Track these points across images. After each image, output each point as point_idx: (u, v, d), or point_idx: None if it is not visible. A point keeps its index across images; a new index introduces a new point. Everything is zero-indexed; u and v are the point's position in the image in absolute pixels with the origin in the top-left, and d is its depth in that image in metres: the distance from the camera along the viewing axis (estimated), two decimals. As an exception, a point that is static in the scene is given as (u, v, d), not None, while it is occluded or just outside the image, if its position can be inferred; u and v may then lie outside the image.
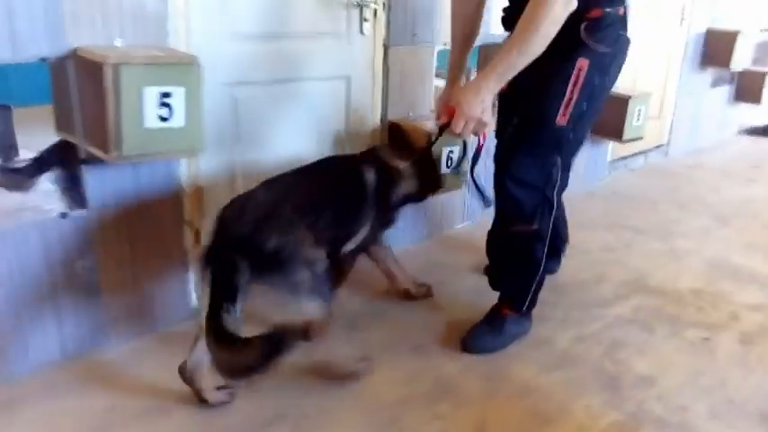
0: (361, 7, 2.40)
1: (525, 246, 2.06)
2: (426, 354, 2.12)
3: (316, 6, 2.30)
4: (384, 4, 2.47)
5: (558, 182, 2.00)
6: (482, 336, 2.14)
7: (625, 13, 1.93)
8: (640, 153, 4.43)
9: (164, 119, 1.69)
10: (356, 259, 2.18)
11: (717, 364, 2.13)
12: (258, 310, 1.59)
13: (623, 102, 3.61)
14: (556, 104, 1.87)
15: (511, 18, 1.90)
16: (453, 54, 2.11)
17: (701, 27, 4.50)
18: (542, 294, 2.21)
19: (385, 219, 2.12)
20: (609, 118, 3.69)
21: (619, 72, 2.00)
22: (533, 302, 2.18)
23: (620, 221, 3.36)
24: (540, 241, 2.05)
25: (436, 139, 2.07)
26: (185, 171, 2.10)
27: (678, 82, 4.46)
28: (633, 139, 3.77)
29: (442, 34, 2.73)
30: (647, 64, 4.09)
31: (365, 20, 2.43)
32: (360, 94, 2.53)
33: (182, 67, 1.72)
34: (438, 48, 2.74)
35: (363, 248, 2.13)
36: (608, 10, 1.85)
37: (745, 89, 5.13)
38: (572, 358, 2.13)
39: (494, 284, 2.27)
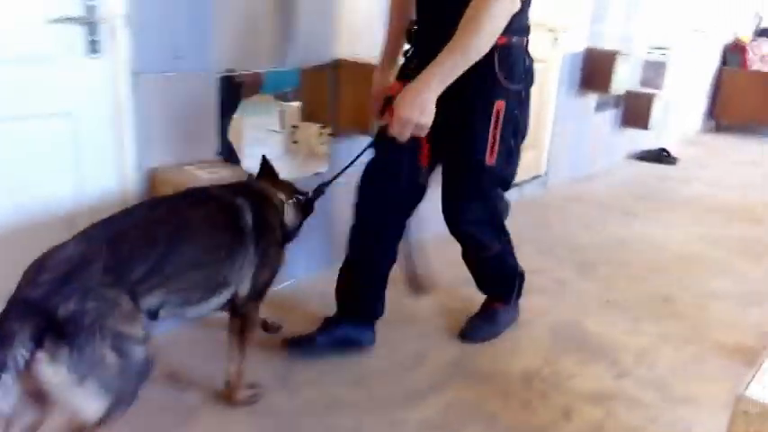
0: (89, 24, 1.83)
1: (498, 263, 2.28)
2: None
3: (13, 22, 1.72)
4: (124, 18, 1.90)
5: (505, 207, 2.20)
6: (479, 327, 2.36)
7: (527, 42, 1.94)
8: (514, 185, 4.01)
9: None
10: (257, 313, 1.89)
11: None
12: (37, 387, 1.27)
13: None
14: (482, 148, 1.91)
15: (420, 35, 1.93)
16: (389, 40, 2.09)
17: (579, 46, 4.13)
18: (340, 390, 1.98)
19: (272, 260, 1.83)
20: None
21: (529, 98, 2.00)
22: (519, 293, 2.42)
23: (467, 274, 2.88)
24: (507, 254, 2.28)
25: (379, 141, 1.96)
26: None
27: (554, 107, 4.07)
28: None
29: (225, 57, 2.19)
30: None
31: (94, 41, 1.85)
32: (96, 137, 1.95)
33: None
34: (218, 75, 2.20)
35: (260, 296, 1.84)
36: (514, 39, 1.85)
37: (632, 113, 4.83)
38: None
39: (480, 288, 2.40)
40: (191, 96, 2.14)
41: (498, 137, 1.91)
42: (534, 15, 1.93)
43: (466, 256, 2.29)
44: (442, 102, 1.70)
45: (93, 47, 1.86)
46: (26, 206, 1.85)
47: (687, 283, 2.93)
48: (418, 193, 2.07)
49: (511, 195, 3.95)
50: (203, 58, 2.13)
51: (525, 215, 3.72)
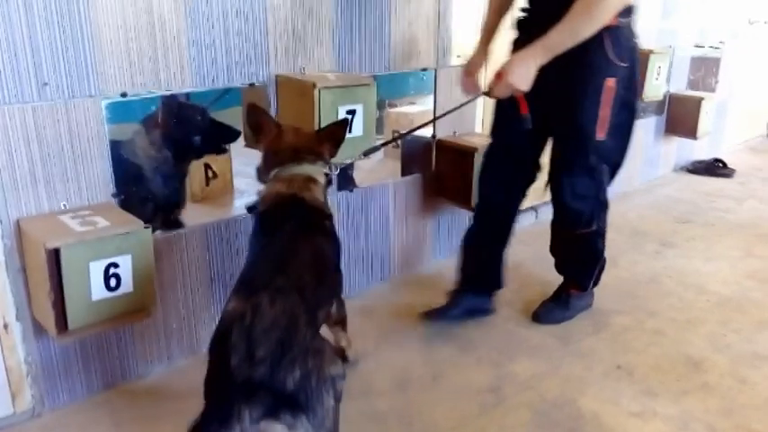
0: None
1: (588, 243, 2.34)
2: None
3: None
4: (-41, 40, 1.53)
5: (609, 185, 2.25)
6: (551, 310, 2.45)
7: (634, 22, 2.05)
8: (529, 209, 3.47)
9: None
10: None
11: None
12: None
13: (468, 155, 2.67)
14: (592, 122, 2.04)
15: (531, 22, 2.05)
16: (489, 18, 2.22)
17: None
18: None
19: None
20: (453, 178, 2.77)
21: (636, 78, 2.14)
22: (596, 282, 2.48)
23: (450, 327, 2.38)
24: (600, 237, 2.36)
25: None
26: None
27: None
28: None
29: (122, 78, 1.80)
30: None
31: None
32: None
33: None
34: (106, 100, 1.81)
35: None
36: (622, 20, 1.96)
37: (677, 119, 4.17)
38: None
39: (559, 270, 2.49)
40: (69, 129, 1.75)
41: (609, 113, 2.04)
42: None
43: (559, 233, 2.40)
44: (555, 78, 1.92)
45: None
46: None
47: (726, 340, 2.32)
48: (530, 173, 2.30)
49: (526, 220, 3.48)
50: (82, 82, 1.74)
51: (538, 243, 3.17)
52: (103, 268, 1.67)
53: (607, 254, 2.45)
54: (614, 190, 3.85)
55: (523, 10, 2.12)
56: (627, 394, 2.01)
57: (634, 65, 2.08)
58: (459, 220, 3.01)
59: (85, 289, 1.65)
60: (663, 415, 1.92)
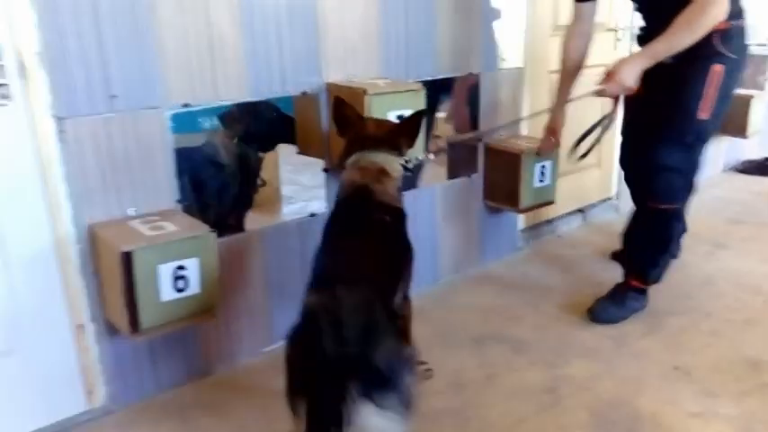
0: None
1: (665, 222, 2.41)
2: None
3: None
4: (37, 56, 1.63)
5: (700, 168, 2.41)
6: (606, 308, 2.47)
7: (745, 23, 2.22)
8: (577, 212, 3.46)
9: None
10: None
11: None
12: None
13: (515, 158, 2.68)
14: (696, 102, 2.17)
15: (647, 37, 2.20)
16: (563, 85, 2.48)
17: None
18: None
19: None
20: (499, 181, 2.79)
21: (741, 77, 2.32)
22: (658, 278, 2.50)
23: (502, 328, 2.40)
24: (678, 219, 2.53)
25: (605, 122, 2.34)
26: None
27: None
28: (536, 206, 2.83)
29: (178, 90, 1.88)
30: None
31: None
32: (18, 196, 1.69)
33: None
34: (170, 111, 1.89)
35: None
36: (733, 23, 2.13)
37: (726, 119, 4.08)
38: None
39: (625, 258, 2.58)
40: (136, 139, 1.84)
41: (713, 96, 2.17)
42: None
43: (639, 209, 2.45)
44: (658, 74, 2.12)
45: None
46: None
47: (786, 341, 2.28)
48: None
49: (573, 222, 3.47)
50: (148, 94, 1.83)
51: (587, 246, 3.16)
52: (172, 271, 1.74)
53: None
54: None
55: (641, 29, 2.36)
56: (685, 395, 2.00)
57: (741, 60, 2.22)
58: (507, 221, 3.03)
59: (155, 290, 1.72)
60: (724, 416, 1.89)
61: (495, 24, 2.71)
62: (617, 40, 3.33)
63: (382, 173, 1.76)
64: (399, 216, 1.77)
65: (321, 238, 1.69)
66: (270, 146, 2.22)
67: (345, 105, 1.87)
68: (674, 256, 2.77)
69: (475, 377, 2.11)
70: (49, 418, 1.88)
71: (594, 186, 3.54)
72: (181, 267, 1.76)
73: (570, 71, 2.44)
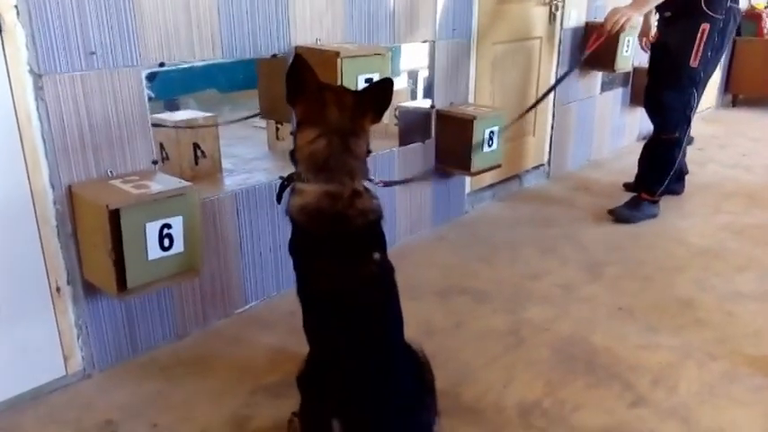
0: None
1: (668, 149, 3.17)
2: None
3: None
4: (18, 9, 1.58)
5: (694, 105, 3.08)
6: (624, 210, 3.21)
7: None
8: (513, 177, 3.67)
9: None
10: None
11: None
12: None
13: (467, 124, 2.82)
14: (689, 53, 2.94)
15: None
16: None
17: (579, 21, 3.75)
18: None
19: None
20: (452, 146, 2.91)
21: (732, 35, 3.08)
22: (665, 191, 3.25)
23: (462, 282, 2.56)
24: (678, 146, 3.18)
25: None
26: None
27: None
28: (486, 170, 3.00)
29: (155, 49, 1.87)
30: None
31: (-23, 36, 1.54)
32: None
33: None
34: (147, 70, 1.88)
35: None
36: None
37: (640, 91, 4.41)
38: None
39: (639, 173, 3.36)
40: (114, 97, 1.82)
41: (701, 48, 2.92)
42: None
43: (652, 138, 3.24)
44: (665, 27, 3.09)
45: (-22, 45, 1.55)
46: None
47: (710, 282, 2.57)
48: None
49: (509, 188, 3.68)
50: (125, 52, 1.81)
51: (524, 209, 3.38)
52: (158, 229, 1.75)
53: (590, 215, 2.71)
54: (586, 158, 4.14)
55: None
56: (631, 331, 2.22)
57: (729, 19, 2.91)
58: (456, 186, 3.18)
59: (142, 249, 1.73)
60: (666, 346, 2.13)
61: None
62: (551, 14, 3.53)
63: (356, 194, 1.47)
64: (379, 236, 1.58)
65: (300, 265, 1.50)
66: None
67: (305, 68, 1.49)
68: (687, 172, 3.58)
69: (444, 325, 2.25)
70: (26, 385, 1.84)
71: (529, 153, 3.76)
72: (167, 225, 1.77)
73: None
